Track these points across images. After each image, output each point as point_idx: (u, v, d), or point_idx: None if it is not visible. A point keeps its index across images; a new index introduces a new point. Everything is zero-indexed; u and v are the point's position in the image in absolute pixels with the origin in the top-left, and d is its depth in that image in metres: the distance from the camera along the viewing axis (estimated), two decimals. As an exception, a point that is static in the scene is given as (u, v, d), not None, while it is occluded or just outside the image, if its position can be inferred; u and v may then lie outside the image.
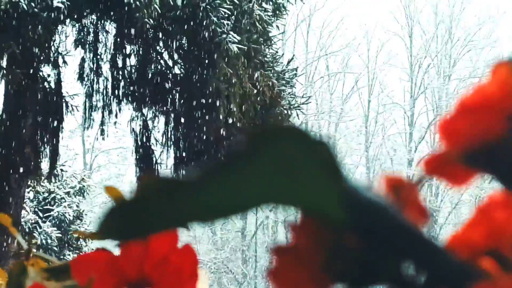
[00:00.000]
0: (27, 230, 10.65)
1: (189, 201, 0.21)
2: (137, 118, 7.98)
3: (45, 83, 7.36)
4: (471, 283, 0.23)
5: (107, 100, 7.77)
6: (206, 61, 6.82)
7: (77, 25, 7.45)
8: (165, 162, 7.95)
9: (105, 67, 7.73)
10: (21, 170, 7.07)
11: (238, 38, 6.65)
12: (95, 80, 7.75)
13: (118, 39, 7.46)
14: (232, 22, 6.65)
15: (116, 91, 7.68)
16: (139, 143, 7.98)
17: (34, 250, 0.53)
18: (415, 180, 0.23)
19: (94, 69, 7.71)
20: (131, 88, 7.61)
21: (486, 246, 0.27)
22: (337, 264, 0.22)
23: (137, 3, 6.22)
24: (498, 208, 0.27)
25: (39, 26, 6.28)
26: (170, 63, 7.48)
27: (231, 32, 6.61)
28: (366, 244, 0.22)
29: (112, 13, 6.90)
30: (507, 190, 0.24)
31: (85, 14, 7.06)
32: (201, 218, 0.22)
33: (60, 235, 11.09)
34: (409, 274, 0.22)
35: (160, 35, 7.10)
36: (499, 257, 0.27)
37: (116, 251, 0.41)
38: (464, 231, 0.27)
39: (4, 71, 6.52)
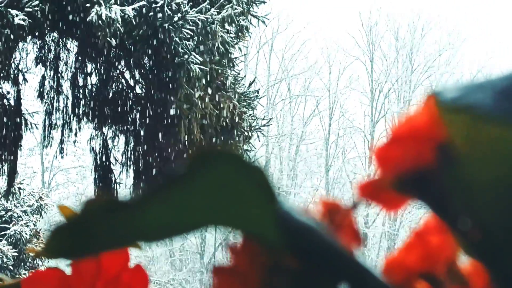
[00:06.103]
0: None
1: (131, 221, 0.21)
2: (97, 137, 7.93)
3: (5, 100, 7.29)
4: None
5: (67, 119, 7.71)
6: (168, 81, 6.81)
7: (38, 42, 7.40)
8: (124, 181, 7.91)
9: (66, 85, 7.69)
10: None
11: (200, 59, 6.65)
12: (55, 98, 7.69)
13: (79, 57, 7.42)
14: (195, 43, 6.65)
15: (76, 110, 7.63)
16: (99, 162, 7.93)
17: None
18: (350, 205, 0.24)
19: (55, 87, 7.66)
20: (92, 106, 7.56)
21: (420, 269, 0.28)
22: (274, 284, 0.23)
23: (99, 21, 6.20)
24: (433, 233, 0.28)
25: None
26: (131, 82, 7.46)
27: (193, 53, 6.61)
28: (302, 265, 0.22)
29: (73, 31, 6.86)
30: (437, 217, 0.25)
31: (46, 31, 7.01)
32: (143, 238, 0.23)
33: (16, 254, 10.94)
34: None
35: (122, 54, 7.08)
36: (433, 280, 0.28)
37: (68, 270, 0.41)
38: (400, 254, 0.28)
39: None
